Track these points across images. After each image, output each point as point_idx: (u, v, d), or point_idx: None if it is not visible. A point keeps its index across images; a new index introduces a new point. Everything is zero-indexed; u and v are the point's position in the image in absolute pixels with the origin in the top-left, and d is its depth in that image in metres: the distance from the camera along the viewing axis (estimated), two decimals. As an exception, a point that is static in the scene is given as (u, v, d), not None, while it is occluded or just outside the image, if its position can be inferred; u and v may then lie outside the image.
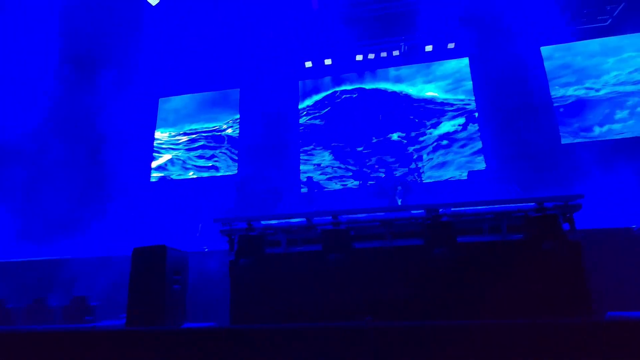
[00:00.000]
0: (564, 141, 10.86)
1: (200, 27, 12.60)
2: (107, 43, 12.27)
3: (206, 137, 14.01)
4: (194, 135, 14.14)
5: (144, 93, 13.87)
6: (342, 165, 12.49)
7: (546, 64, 11.62)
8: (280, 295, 4.02)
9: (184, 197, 11.45)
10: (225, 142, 13.77)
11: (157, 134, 14.35)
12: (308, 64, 13.27)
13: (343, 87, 13.35)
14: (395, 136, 12.38)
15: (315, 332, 3.27)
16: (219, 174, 13.38)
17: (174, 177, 13.67)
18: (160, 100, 14.63)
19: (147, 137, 14.23)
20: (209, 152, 13.81)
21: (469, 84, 12.24)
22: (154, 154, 14.10)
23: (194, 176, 13.53)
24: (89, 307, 4.47)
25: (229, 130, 13.87)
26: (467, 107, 12.08)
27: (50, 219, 10.31)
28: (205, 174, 13.48)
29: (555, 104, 11.25)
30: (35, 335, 3.84)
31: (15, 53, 9.89)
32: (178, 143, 14.15)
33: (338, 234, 4.03)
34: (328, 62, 13.09)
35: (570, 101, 11.21)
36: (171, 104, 14.61)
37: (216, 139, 13.92)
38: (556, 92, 11.35)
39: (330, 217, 4.14)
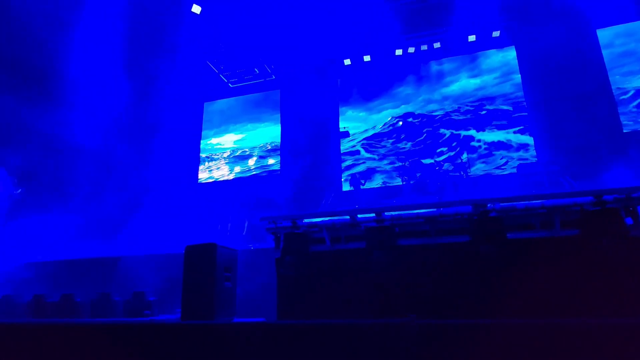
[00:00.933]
0: (626, 130, 10.09)
1: (239, 31, 12.95)
2: (158, 52, 12.95)
3: (250, 139, 14.41)
4: (238, 137, 14.60)
5: (190, 98, 14.50)
6: (385, 162, 12.37)
7: (605, 53, 10.75)
8: (326, 291, 4.07)
9: (230, 197, 11.84)
10: (269, 143, 14.09)
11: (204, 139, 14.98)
12: (347, 62, 13.25)
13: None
14: (440, 131, 12.07)
15: (360, 328, 3.29)
16: (263, 174, 13.72)
17: (220, 178, 14.19)
18: (206, 104, 15.23)
19: (195, 140, 14.88)
20: (254, 153, 14.20)
21: (518, 77, 11.69)
22: (202, 156, 14.75)
23: (239, 176, 13.97)
24: (147, 302, 4.78)
25: (271, 132, 14.20)
26: (516, 99, 11.54)
27: (108, 218, 11.07)
28: (249, 174, 13.87)
29: (615, 93, 10.44)
30: (100, 326, 4.17)
31: (83, 62, 10.76)
32: (224, 146, 14.67)
33: (382, 231, 4.01)
34: (367, 58, 13.00)
35: (632, 93, 10.35)
36: (216, 107, 15.17)
37: (260, 140, 14.30)
38: (617, 81, 10.50)
39: (374, 214, 4.14)
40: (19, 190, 9.08)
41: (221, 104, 15.12)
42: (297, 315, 4.02)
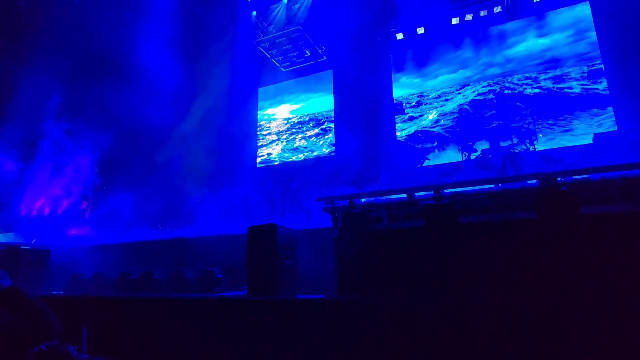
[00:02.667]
0: None
1: (288, 13, 12.99)
2: (210, 42, 13.45)
3: (304, 122, 14.57)
4: (293, 120, 14.82)
5: (245, 84, 14.90)
6: (444, 136, 11.89)
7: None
8: (384, 270, 4.08)
9: (288, 178, 12.13)
10: (323, 124, 14.15)
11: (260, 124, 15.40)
12: (399, 36, 12.78)
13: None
14: (502, 98, 11.28)
15: (419, 307, 3.29)
16: (319, 154, 13.87)
17: (277, 161, 14.58)
18: (260, 90, 15.58)
19: (252, 125, 15.35)
20: (308, 135, 14.36)
21: (593, 35, 10.52)
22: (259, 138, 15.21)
23: (296, 159, 14.24)
24: (216, 279, 5.13)
25: (325, 113, 14.22)
26: (592, 60, 10.43)
27: (179, 204, 11.94)
28: (304, 156, 14.09)
29: None
30: (176, 301, 4.57)
31: (151, 56, 11.63)
32: (279, 130, 14.99)
33: (441, 209, 3.90)
34: (420, 30, 12.43)
35: None
36: (269, 92, 15.47)
37: (314, 122, 14.40)
38: None
39: (432, 192, 4.03)
40: (101, 179, 10.07)
41: (274, 90, 15.39)
42: (356, 293, 4.08)
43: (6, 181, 9.35)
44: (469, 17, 11.82)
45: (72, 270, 6.55)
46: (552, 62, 10.89)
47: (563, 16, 10.99)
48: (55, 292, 6.22)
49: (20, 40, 10.14)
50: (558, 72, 10.75)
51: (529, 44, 11.29)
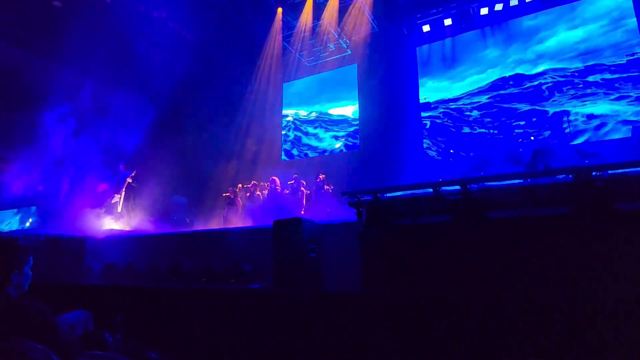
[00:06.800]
0: None
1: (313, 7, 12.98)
2: (236, 41, 13.64)
3: (328, 115, 14.55)
4: (317, 114, 14.83)
5: (270, 81, 15.03)
6: (474, 131, 11.62)
7: None
8: (409, 264, 4.05)
9: (312, 173, 12.16)
10: (348, 117, 14.10)
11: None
12: (426, 28, 12.52)
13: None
14: (534, 95, 10.90)
15: (445, 302, 3.25)
16: (344, 150, 13.84)
17: (301, 156, 14.64)
18: (284, 85, 15.65)
19: (277, 120, 15.49)
20: (334, 128, 14.34)
21: (632, 21, 9.95)
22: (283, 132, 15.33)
23: (321, 153, 14.26)
24: (244, 271, 5.23)
25: (350, 107, 14.15)
26: (630, 49, 9.90)
27: (207, 196, 12.24)
28: (329, 151, 14.09)
29: None
30: (204, 291, 4.70)
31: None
32: (302, 124, 15.03)
33: (468, 203, 3.82)
34: (448, 22, 12.14)
35: None
36: (294, 88, 15.51)
37: (338, 116, 14.36)
38: None
39: (459, 187, 3.95)
40: (133, 173, 10.42)
41: (299, 85, 15.41)
42: (380, 287, 4.07)
43: (49, 171, 9.84)
44: (499, 7, 11.44)
45: (106, 260, 6.84)
46: (586, 55, 10.37)
47: (597, 5, 10.42)
48: (90, 281, 6.51)
49: (57, 39, 10.58)
50: (594, 62, 10.23)
51: (560, 37, 10.82)
